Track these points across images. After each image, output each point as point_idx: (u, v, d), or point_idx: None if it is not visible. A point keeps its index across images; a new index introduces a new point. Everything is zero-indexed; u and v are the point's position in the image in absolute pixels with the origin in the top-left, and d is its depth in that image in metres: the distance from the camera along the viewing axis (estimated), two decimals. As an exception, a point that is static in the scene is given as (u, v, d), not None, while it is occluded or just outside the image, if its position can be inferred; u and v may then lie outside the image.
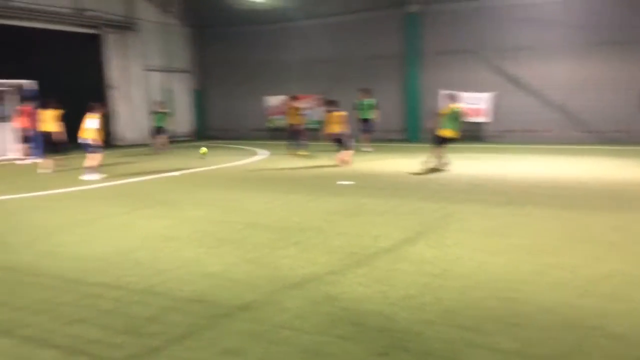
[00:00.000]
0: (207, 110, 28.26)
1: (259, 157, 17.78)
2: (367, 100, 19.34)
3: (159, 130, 20.22)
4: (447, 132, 13.52)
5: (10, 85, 19.13)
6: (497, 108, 21.02)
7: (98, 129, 13.07)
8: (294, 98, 19.30)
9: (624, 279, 5.11)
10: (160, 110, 20.29)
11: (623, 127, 19.56)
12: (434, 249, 6.32)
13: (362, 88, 19.68)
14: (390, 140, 22.13)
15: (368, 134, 19.27)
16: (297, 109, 18.62)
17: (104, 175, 13.22)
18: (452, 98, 13.94)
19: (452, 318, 4.33)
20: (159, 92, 25.87)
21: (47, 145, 14.98)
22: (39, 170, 14.58)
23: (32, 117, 16.47)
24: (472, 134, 21.75)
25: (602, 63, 19.60)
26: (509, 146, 19.10)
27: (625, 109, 19.36)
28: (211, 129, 27.88)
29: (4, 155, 19.14)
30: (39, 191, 11.40)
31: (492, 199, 9.33)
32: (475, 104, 21.24)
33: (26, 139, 17.42)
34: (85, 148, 13.12)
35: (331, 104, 15.56)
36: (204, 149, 18.02)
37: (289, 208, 9.06)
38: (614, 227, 7.11)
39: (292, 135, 18.47)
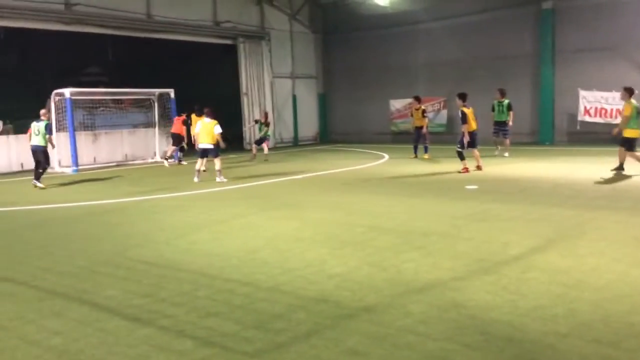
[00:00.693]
0: (331, 115, 28.79)
1: (382, 161, 17.80)
2: (504, 101, 17.97)
3: (260, 140, 19.72)
4: (633, 133, 12.26)
5: (153, 94, 20.76)
6: (642, 108, 19.32)
7: (220, 134, 13.52)
8: (418, 99, 18.93)
9: None
10: (263, 120, 19.71)
11: None
12: (567, 258, 5.96)
13: (499, 88, 18.46)
14: (522, 143, 21.13)
15: (506, 137, 17.86)
16: (421, 110, 18.34)
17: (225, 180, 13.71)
18: (631, 93, 12.63)
19: (588, 332, 4.05)
20: (285, 98, 26.81)
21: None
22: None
23: (184, 124, 17.80)
24: (613, 137, 20.20)
25: None
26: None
27: None
28: (335, 133, 28.35)
29: (152, 158, 20.81)
30: (176, 192, 12.26)
31: (634, 206, 8.61)
32: (616, 104, 19.71)
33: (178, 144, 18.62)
34: (209, 152, 13.77)
35: (463, 97, 14.41)
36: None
37: (412, 212, 8.98)
38: None
39: (417, 138, 18.25)
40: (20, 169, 18.03)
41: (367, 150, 21.59)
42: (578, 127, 20.41)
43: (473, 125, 14.19)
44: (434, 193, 10.80)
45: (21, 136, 17.19)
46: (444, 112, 24.27)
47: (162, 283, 5.64)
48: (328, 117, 28.85)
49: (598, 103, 20.09)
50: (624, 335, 3.96)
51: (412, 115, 19.21)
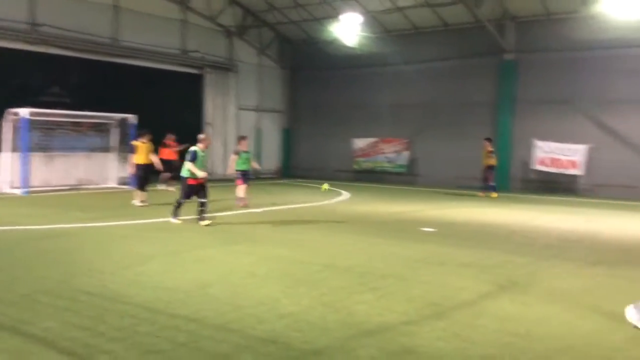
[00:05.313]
0: (295, 150, 28.87)
1: (343, 198, 17.82)
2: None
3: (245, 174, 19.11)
4: None
5: (113, 119, 20.40)
6: (592, 161, 20.02)
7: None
8: (489, 140, 19.67)
9: None
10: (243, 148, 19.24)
11: None
12: (518, 305, 5.98)
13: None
14: (477, 189, 21.50)
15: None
16: (490, 150, 19.13)
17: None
18: None
19: (536, 384, 4.03)
20: (250, 130, 26.78)
21: (141, 178, 15.01)
22: (133, 202, 14.88)
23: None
24: (566, 187, 20.80)
25: None
26: (603, 201, 18.04)
27: None
28: (297, 168, 28.37)
29: (105, 183, 20.33)
30: (130, 220, 11.96)
31: (585, 258, 8.78)
32: (569, 155, 20.38)
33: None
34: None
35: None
36: (325, 185, 19.25)
37: (370, 252, 8.94)
38: None
39: (485, 177, 19.17)
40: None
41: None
42: (532, 176, 20.95)
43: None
44: (392, 233, 10.80)
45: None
46: (406, 154, 24.61)
47: (104, 316, 5.39)
48: (291, 152, 28.90)
49: (553, 153, 20.71)
50: (571, 389, 3.95)
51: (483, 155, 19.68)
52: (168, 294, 6.22)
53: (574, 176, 20.54)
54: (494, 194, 18.73)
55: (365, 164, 25.79)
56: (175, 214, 11.61)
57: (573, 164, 20.34)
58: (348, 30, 22.07)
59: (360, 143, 25.97)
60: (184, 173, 11.42)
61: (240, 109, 26.49)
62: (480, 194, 19.12)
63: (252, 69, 27.15)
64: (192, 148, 11.47)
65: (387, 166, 25.16)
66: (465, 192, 20.37)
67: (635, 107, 19.61)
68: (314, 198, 17.49)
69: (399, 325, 5.27)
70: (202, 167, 11.47)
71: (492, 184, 19.06)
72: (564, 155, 20.51)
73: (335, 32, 22.72)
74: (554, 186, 20.85)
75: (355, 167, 26.18)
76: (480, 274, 7.43)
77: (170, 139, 19.49)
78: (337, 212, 14.38)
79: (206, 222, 11.31)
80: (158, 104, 23.77)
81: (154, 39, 22.49)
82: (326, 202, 16.65)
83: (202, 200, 11.40)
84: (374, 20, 23.77)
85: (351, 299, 6.10)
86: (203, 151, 11.59)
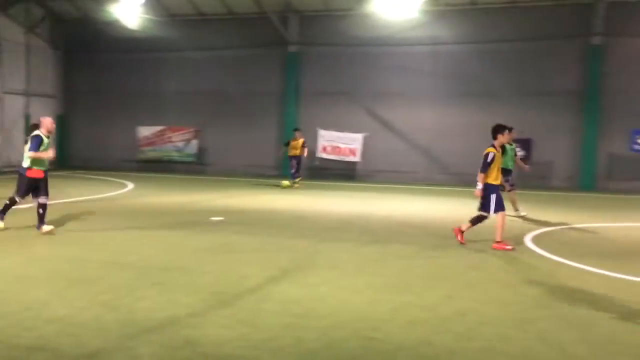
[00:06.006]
0: (72, 139, 26.44)
1: (126, 190, 16.95)
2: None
3: None
4: None
5: None
6: (368, 149, 21.86)
7: None
8: (298, 130, 19.29)
9: (477, 317, 5.35)
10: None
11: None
12: (300, 288, 6.28)
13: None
14: (267, 177, 22.12)
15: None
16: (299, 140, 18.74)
17: None
18: None
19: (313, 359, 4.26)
20: (17, 117, 24.04)
21: None
22: None
23: None
24: (346, 173, 22.43)
25: (464, 111, 21.16)
26: (378, 185, 19.85)
27: (483, 153, 20.94)
28: (75, 158, 26.03)
29: None
30: None
31: (359, 238, 9.54)
32: (349, 143, 22.00)
33: None
34: None
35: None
36: (285, 182, 18.35)
37: (154, 245, 8.62)
38: (470, 266, 7.51)
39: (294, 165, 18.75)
40: None
41: (110, 179, 20.34)
42: (317, 163, 22.19)
43: None
44: (179, 225, 10.56)
45: None
46: (195, 143, 24.25)
47: None
48: (68, 141, 26.42)
49: (334, 142, 22.17)
50: (344, 361, 4.25)
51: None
52: None
53: (353, 163, 22.24)
54: (287, 183, 18.62)
55: (152, 153, 24.85)
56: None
57: (352, 152, 22.00)
58: (129, 11, 20.91)
59: (145, 131, 24.89)
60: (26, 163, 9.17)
61: (5, 92, 23.57)
62: (294, 183, 18.60)
63: (19, 48, 24.28)
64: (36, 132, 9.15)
65: (175, 155, 24.53)
66: (254, 180, 20.80)
67: (402, 99, 21.84)
68: (94, 190, 16.33)
69: (184, 318, 5.17)
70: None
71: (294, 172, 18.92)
72: (344, 143, 22.09)
73: (116, 13, 21.35)
74: (336, 172, 22.33)
75: (141, 156, 25.05)
76: (265, 260, 7.64)
77: None
78: (120, 204, 13.64)
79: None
80: None
81: None
82: (108, 194, 15.68)
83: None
84: (157, 2, 22.89)
85: (132, 296, 5.82)
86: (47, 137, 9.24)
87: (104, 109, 25.74)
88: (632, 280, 6.95)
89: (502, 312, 5.51)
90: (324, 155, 22.28)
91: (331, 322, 5.12)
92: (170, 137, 24.65)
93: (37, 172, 9.12)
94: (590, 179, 20.12)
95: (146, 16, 22.19)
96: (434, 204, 14.84)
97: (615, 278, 7.05)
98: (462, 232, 9.01)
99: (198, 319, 5.14)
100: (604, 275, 7.19)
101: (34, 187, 9.20)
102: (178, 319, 5.14)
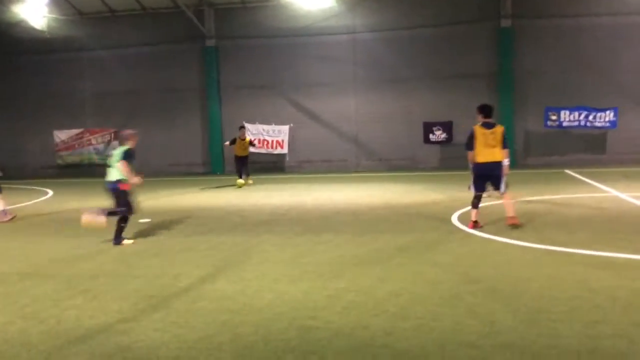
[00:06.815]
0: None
1: (46, 197, 16.19)
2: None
3: None
4: None
5: None
6: (296, 140, 21.90)
7: None
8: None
9: (410, 297, 5.49)
10: None
11: (408, 155, 21.63)
12: (234, 284, 6.21)
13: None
14: (196, 174, 21.74)
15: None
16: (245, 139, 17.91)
17: None
18: None
19: (250, 355, 4.22)
20: None
21: None
22: None
23: None
24: (275, 166, 22.37)
25: (386, 98, 21.58)
26: (308, 176, 19.93)
27: (409, 139, 21.47)
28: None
29: None
30: None
31: (291, 229, 9.56)
32: (275, 136, 21.95)
33: None
34: None
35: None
36: (240, 181, 17.09)
37: (78, 253, 8.29)
38: (400, 248, 7.69)
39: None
40: None
41: (29, 187, 19.33)
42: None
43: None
44: (104, 230, 10.13)
45: None
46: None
47: None
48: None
49: (261, 135, 22.04)
50: (282, 352, 4.24)
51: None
52: None
53: (281, 155, 22.21)
54: (242, 182, 17.58)
55: (71, 157, 23.89)
56: None
57: (279, 144, 21.96)
58: (34, 11, 19.89)
59: (62, 135, 23.87)
60: None
61: None
62: (250, 181, 17.92)
63: None
64: None
65: (96, 158, 23.66)
66: (179, 178, 20.38)
67: (324, 88, 21.99)
68: (11, 201, 15.46)
69: (114, 324, 5.00)
70: None
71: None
72: (270, 136, 22.01)
73: (21, 13, 20.27)
74: (265, 166, 22.23)
75: (59, 162, 24.01)
76: (196, 259, 7.51)
77: None
78: (41, 213, 13.02)
79: None
80: None
81: None
82: (26, 203, 14.92)
83: None
84: (64, 1, 21.88)
85: (59, 306, 5.57)
86: None
87: (14, 114, 24.43)
88: (554, 250, 7.32)
89: (433, 291, 5.67)
90: (251, 149, 22.09)
91: (267, 315, 5.10)
92: (89, 140, 23.76)
93: None
94: (510, 157, 20.99)
95: (53, 15, 21.19)
96: (363, 191, 15.06)
97: (539, 249, 7.41)
98: (475, 222, 9.01)
99: (129, 325, 4.99)
100: (528, 247, 7.54)
101: None
102: (108, 326, 4.97)
